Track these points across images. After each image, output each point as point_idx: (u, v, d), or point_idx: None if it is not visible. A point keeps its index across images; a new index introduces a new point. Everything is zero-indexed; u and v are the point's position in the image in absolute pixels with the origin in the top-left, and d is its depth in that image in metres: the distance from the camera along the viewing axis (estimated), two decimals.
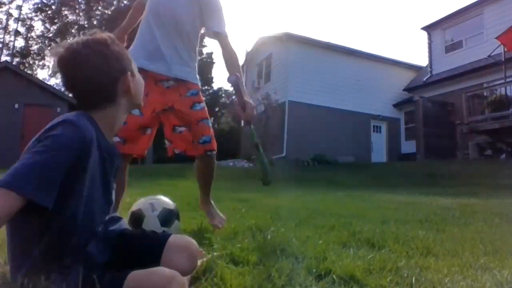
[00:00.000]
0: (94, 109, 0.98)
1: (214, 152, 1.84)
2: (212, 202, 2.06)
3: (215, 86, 29.18)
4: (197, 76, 1.87)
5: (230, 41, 1.78)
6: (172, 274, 0.92)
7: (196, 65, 1.88)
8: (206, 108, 1.81)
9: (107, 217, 1.09)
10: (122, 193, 1.72)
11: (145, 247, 1.05)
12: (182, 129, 1.75)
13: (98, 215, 1.00)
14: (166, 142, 1.83)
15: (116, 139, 1.59)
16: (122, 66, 1.01)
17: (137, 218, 1.45)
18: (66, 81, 0.97)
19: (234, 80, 1.63)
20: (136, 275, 0.92)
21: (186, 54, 1.80)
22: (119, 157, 1.09)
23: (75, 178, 0.87)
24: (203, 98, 1.84)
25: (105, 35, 1.01)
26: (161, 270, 0.94)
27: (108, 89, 0.98)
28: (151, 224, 1.43)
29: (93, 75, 0.95)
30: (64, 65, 0.95)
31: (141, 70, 1.57)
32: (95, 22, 27.02)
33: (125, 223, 1.15)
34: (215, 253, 1.42)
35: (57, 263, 0.88)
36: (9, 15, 28.32)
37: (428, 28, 15.09)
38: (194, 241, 1.09)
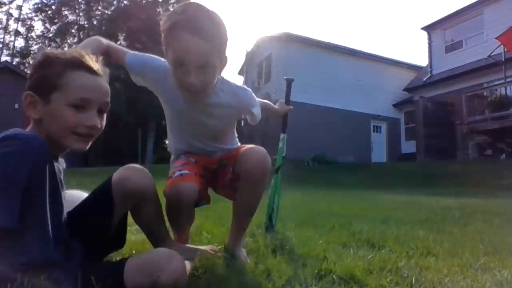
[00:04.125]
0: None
1: None
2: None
3: None
4: None
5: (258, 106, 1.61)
6: (171, 253, 0.93)
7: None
8: None
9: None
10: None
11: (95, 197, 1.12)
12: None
13: None
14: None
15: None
16: (34, 85, 0.94)
17: None
18: None
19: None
20: (135, 259, 0.94)
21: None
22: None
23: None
24: None
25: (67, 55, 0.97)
26: (160, 250, 0.96)
27: (25, 99, 0.96)
28: None
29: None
30: None
31: None
32: (95, 22, 27.02)
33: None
34: (204, 246, 1.44)
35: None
36: (9, 15, 28.39)
37: (428, 28, 15.10)
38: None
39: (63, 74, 0.94)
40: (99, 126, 0.99)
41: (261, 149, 1.37)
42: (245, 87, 1.52)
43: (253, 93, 1.54)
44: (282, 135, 2.19)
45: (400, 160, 14.91)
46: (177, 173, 1.35)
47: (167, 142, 1.66)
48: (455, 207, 3.65)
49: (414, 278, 1.13)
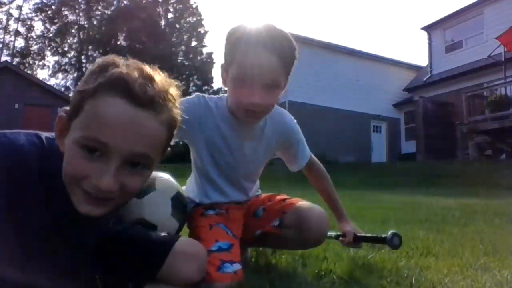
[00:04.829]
0: None
1: None
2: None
3: (215, 86, 29.25)
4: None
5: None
6: None
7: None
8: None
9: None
10: None
11: (146, 252, 0.89)
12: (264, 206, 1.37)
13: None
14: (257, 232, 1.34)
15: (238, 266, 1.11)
16: (75, 102, 0.67)
17: None
18: None
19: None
20: None
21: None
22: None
23: None
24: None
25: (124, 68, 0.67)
26: None
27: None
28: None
29: None
30: None
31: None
32: (95, 22, 27.02)
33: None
34: None
35: None
36: (9, 15, 28.39)
37: (428, 28, 15.10)
38: (203, 248, 1.00)
39: (94, 95, 0.64)
40: (113, 188, 0.65)
41: (322, 212, 1.23)
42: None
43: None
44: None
45: (400, 160, 14.90)
46: (229, 267, 1.06)
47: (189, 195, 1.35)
48: (455, 207, 3.65)
49: (414, 278, 1.12)
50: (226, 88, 1.24)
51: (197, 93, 1.27)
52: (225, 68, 1.12)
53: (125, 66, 0.67)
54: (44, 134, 0.75)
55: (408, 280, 1.12)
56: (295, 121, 1.37)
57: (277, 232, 1.23)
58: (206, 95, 1.27)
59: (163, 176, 1.14)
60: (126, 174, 0.66)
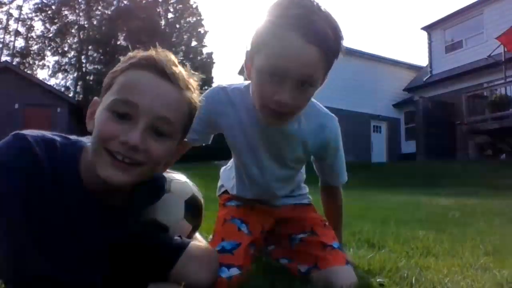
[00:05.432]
0: None
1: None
2: None
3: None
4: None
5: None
6: None
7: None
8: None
9: None
10: None
11: (157, 255, 0.89)
12: (303, 235, 1.25)
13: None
14: (283, 261, 1.27)
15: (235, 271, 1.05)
16: (106, 82, 0.78)
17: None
18: None
19: None
20: None
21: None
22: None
23: None
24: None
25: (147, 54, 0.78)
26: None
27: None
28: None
29: None
30: None
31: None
32: (95, 22, 27.03)
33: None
34: None
35: None
36: (9, 15, 28.37)
37: (428, 28, 15.10)
38: (215, 253, 1.02)
39: (125, 71, 0.75)
40: (139, 145, 0.71)
41: (352, 281, 1.05)
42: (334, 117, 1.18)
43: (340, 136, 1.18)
44: None
45: (400, 160, 14.90)
46: (224, 272, 1.02)
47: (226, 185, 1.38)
48: (455, 207, 3.65)
49: (414, 278, 1.12)
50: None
51: (218, 85, 1.16)
52: (250, 56, 0.95)
53: (157, 52, 0.78)
54: (58, 139, 0.80)
55: (408, 280, 1.12)
56: (338, 130, 1.20)
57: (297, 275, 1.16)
58: (229, 86, 1.13)
59: (179, 179, 1.13)
60: (151, 140, 0.74)
